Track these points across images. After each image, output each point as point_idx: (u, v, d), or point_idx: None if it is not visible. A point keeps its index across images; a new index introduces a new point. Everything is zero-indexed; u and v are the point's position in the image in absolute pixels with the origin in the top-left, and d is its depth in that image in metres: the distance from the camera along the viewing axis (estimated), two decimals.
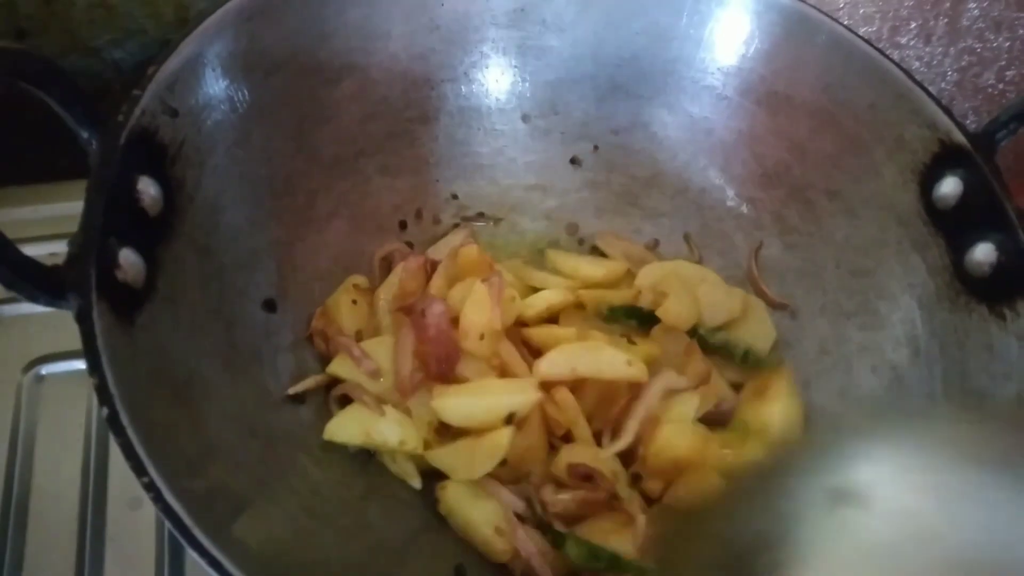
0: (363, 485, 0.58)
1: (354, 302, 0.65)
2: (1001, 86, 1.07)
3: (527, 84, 0.75)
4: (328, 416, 0.59)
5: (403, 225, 0.73)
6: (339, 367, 0.60)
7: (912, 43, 1.02)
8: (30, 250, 0.44)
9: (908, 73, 0.64)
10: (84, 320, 0.43)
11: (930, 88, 0.98)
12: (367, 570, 0.52)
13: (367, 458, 0.60)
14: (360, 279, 0.67)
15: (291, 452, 0.56)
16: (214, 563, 0.39)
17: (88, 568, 0.61)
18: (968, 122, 0.87)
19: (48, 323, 0.70)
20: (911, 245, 0.63)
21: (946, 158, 0.61)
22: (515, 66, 0.75)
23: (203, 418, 0.50)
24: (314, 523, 0.52)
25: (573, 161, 0.77)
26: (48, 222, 0.76)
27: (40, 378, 0.70)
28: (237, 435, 0.52)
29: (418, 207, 0.73)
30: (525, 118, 0.76)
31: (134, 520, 0.64)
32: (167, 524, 0.40)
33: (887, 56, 0.65)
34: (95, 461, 0.66)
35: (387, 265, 0.69)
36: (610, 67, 0.75)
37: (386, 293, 0.65)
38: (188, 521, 0.39)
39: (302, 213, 0.66)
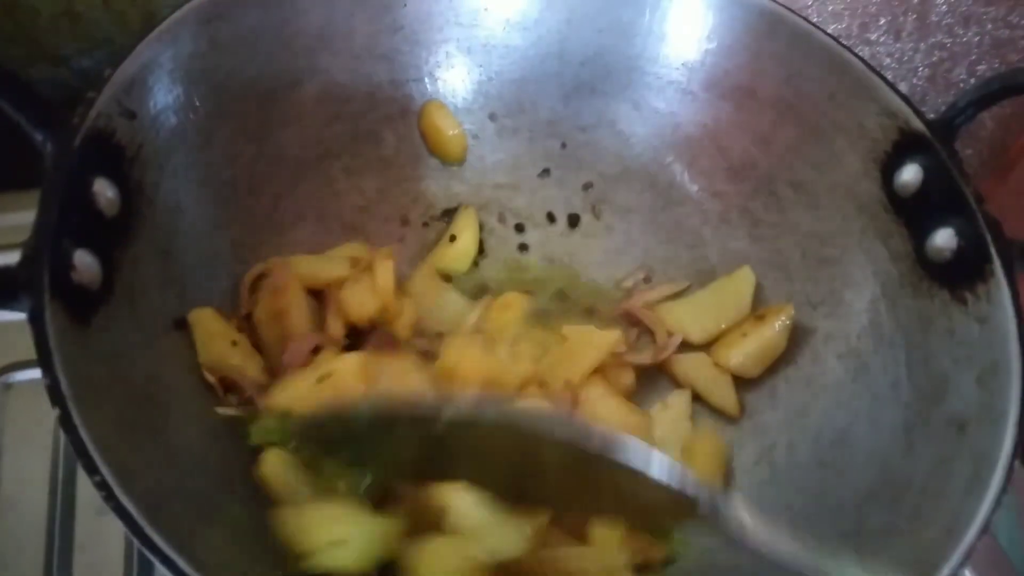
0: None
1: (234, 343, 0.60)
2: (972, 80, 1.08)
3: (493, 83, 0.75)
4: None
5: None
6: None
7: (882, 39, 1.03)
8: None
9: (867, 63, 0.64)
10: (36, 321, 0.43)
11: (901, 84, 1.00)
12: None
13: None
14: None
15: (255, 453, 0.55)
16: (167, 562, 0.38)
17: (56, 572, 0.61)
18: None
19: (16, 331, 0.69)
20: (874, 233, 0.63)
21: (906, 145, 0.61)
22: (480, 65, 0.75)
23: (163, 419, 0.50)
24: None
25: (543, 173, 0.78)
26: (7, 231, 0.75)
27: (8, 386, 0.70)
28: (198, 436, 0.52)
29: (385, 208, 0.73)
30: (492, 117, 0.77)
31: (102, 527, 0.64)
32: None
33: (846, 47, 0.65)
34: (63, 469, 0.66)
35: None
36: (575, 65, 0.75)
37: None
38: (141, 521, 0.39)
39: (267, 216, 0.66)
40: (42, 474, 0.66)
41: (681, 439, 0.65)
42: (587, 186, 0.78)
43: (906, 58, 1.05)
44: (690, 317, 0.70)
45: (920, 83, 1.08)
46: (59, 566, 0.61)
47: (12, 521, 0.63)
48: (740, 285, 0.70)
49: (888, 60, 1.04)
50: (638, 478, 0.43)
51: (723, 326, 0.69)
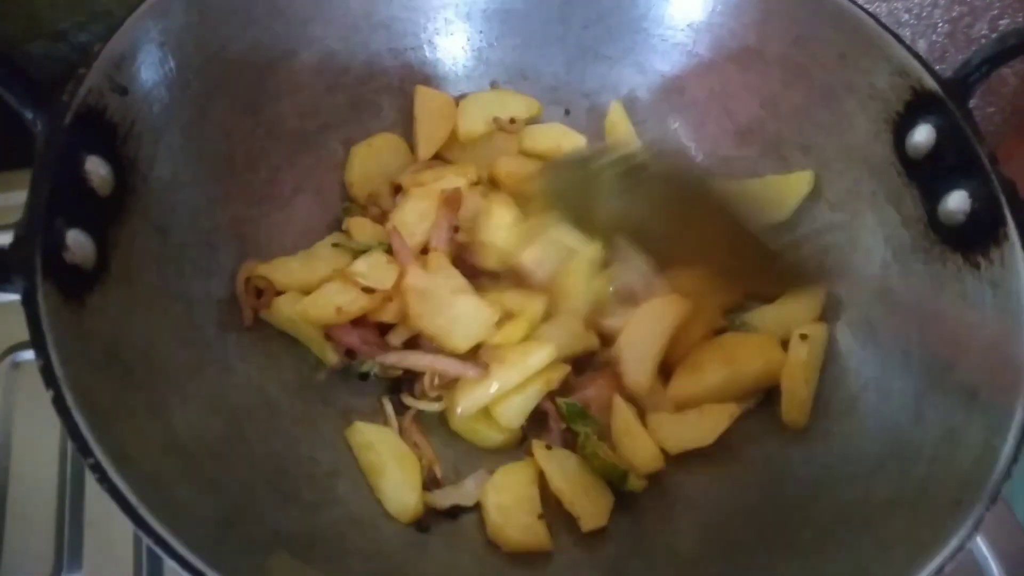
0: (331, 461, 0.58)
1: None
2: (994, 35, 1.04)
3: (494, 49, 0.74)
4: (292, 392, 0.59)
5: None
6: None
7: None
8: None
9: (878, 20, 0.62)
10: (29, 302, 0.43)
11: (920, 41, 0.96)
12: (332, 544, 0.52)
13: (336, 434, 0.60)
14: None
15: (255, 429, 0.55)
16: (161, 543, 0.38)
17: (67, 552, 0.62)
18: None
19: (22, 311, 0.70)
20: (885, 197, 0.62)
21: (919, 106, 0.59)
22: (480, 31, 0.73)
23: (162, 398, 0.50)
24: (278, 499, 0.52)
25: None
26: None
27: (16, 365, 0.70)
28: (198, 413, 0.52)
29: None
30: (494, 84, 0.75)
31: (112, 504, 0.63)
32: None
33: (857, 4, 0.63)
34: (72, 446, 0.66)
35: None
36: (577, 28, 0.73)
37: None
38: (135, 502, 0.39)
39: (265, 189, 0.65)
40: (52, 452, 0.66)
41: None
42: None
43: (925, 14, 1.02)
44: None
45: (940, 39, 1.05)
46: (70, 542, 0.62)
47: (23, 498, 0.64)
48: None
49: (906, 16, 1.01)
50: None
51: None
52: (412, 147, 0.72)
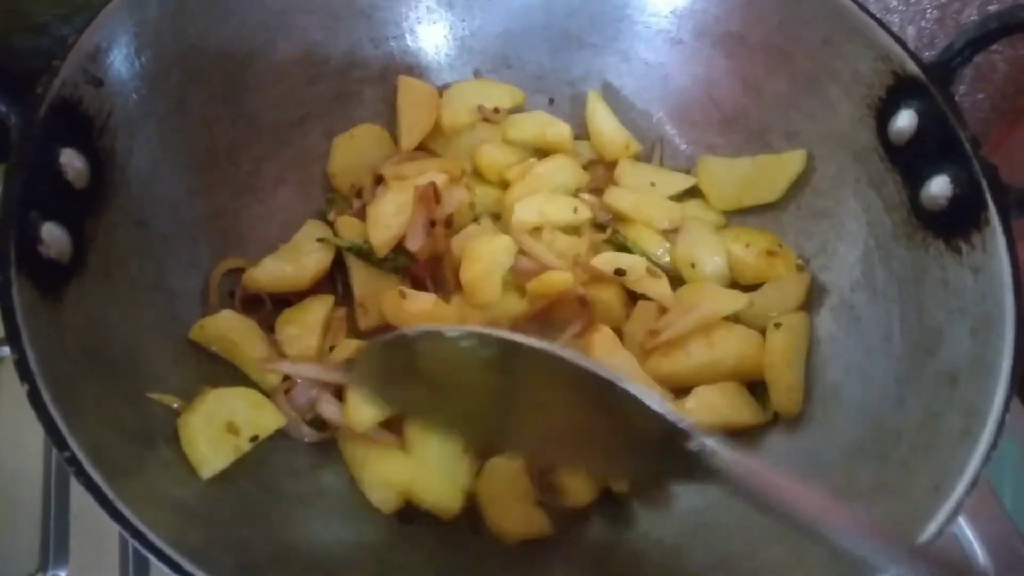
0: (314, 453, 0.58)
1: None
2: (976, 19, 1.04)
3: (476, 38, 0.73)
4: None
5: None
6: None
7: None
8: None
9: (861, 5, 0.62)
10: (3, 296, 0.43)
11: (910, 27, 0.96)
12: (315, 537, 0.52)
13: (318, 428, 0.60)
14: None
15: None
16: (137, 535, 0.38)
17: (53, 544, 0.61)
18: None
19: None
20: (868, 182, 0.61)
21: (901, 90, 0.59)
22: (462, 20, 0.73)
23: (143, 391, 0.50)
24: (263, 494, 0.52)
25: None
26: None
27: (0, 359, 0.70)
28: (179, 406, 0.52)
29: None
30: (477, 73, 0.75)
31: None
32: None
33: None
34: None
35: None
36: (561, 16, 0.73)
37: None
38: (111, 494, 0.39)
39: (246, 181, 0.65)
40: (37, 447, 0.66)
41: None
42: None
43: (914, 0, 1.01)
44: None
45: (929, 25, 1.04)
46: (56, 537, 0.62)
47: (8, 494, 0.64)
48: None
49: (895, 2, 1.00)
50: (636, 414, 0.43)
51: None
52: (395, 138, 0.71)
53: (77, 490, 0.64)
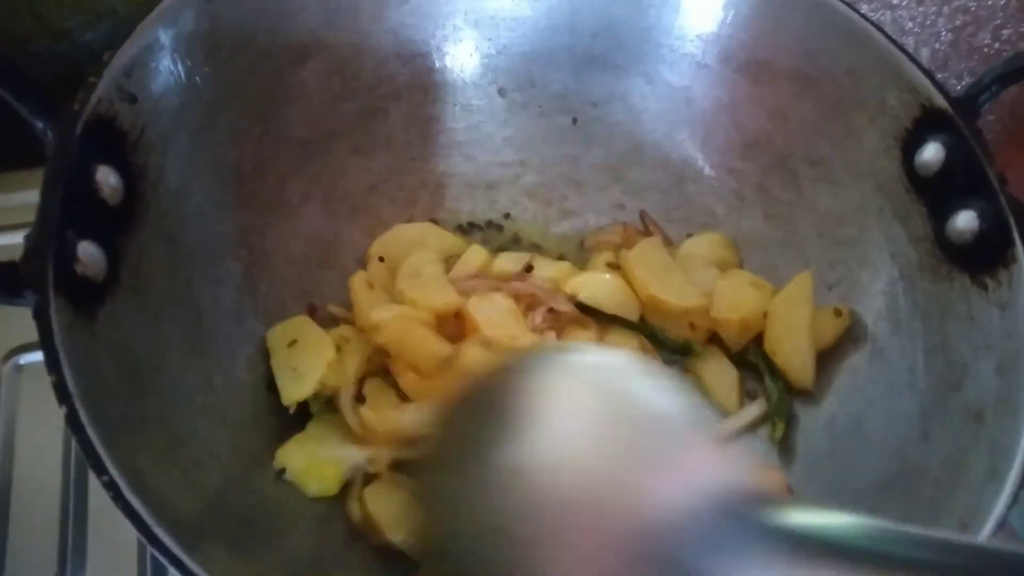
0: None
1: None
2: (997, 45, 1.04)
3: (502, 57, 0.74)
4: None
5: None
6: None
7: (905, 3, 0.99)
8: None
9: (889, 37, 0.62)
10: (41, 317, 0.42)
11: (923, 49, 0.96)
12: (336, 566, 0.52)
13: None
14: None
15: (264, 441, 0.55)
16: (176, 563, 0.38)
17: (71, 556, 0.62)
18: (964, 83, 0.84)
19: (23, 313, 0.70)
20: (893, 213, 0.62)
21: (928, 123, 0.59)
22: (489, 39, 0.73)
23: (171, 410, 0.50)
24: (286, 513, 0.52)
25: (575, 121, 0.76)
26: (7, 212, 0.75)
27: (19, 368, 0.70)
28: (207, 425, 0.52)
29: (392, 189, 0.72)
30: (501, 92, 0.75)
31: (116, 508, 0.64)
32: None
33: (869, 20, 0.63)
34: (76, 450, 0.66)
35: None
36: (587, 37, 0.73)
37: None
38: (150, 521, 0.39)
39: (273, 197, 0.65)
40: (55, 455, 0.66)
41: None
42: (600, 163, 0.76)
43: (928, 22, 1.02)
44: None
45: (943, 48, 1.05)
46: (74, 546, 0.62)
47: (27, 502, 0.64)
48: None
49: (910, 24, 1.01)
50: None
51: None
52: None
53: (95, 497, 0.64)
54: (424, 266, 0.66)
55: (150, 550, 0.57)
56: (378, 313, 0.61)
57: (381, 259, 0.68)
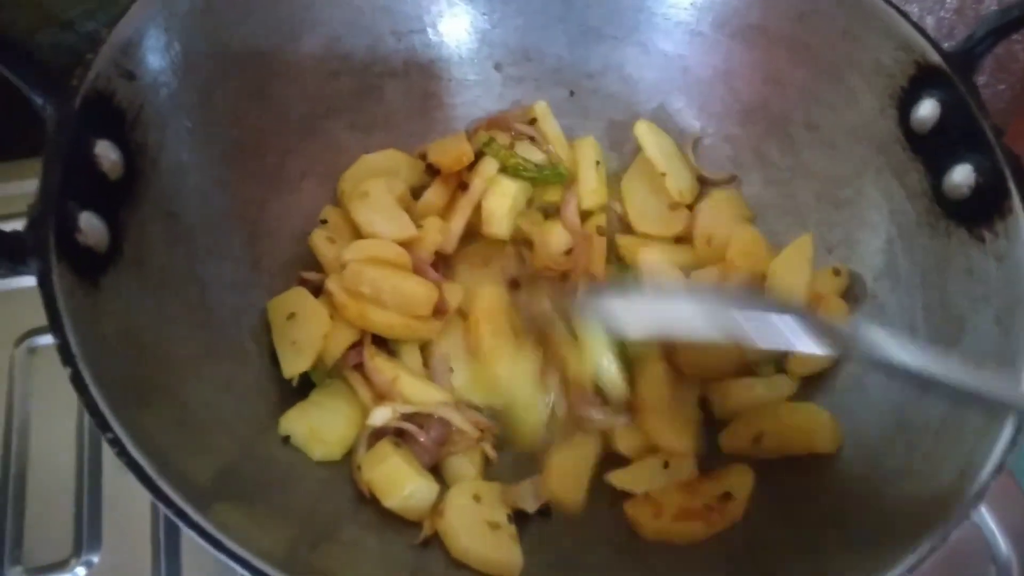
0: None
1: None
2: (998, 8, 1.03)
3: (497, 31, 0.74)
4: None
5: None
6: None
7: None
8: None
9: None
10: (44, 283, 0.43)
11: (928, 17, 0.95)
12: (343, 527, 0.52)
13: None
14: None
15: (270, 407, 0.56)
16: (181, 515, 0.39)
17: (86, 532, 0.63)
18: None
19: (37, 297, 0.71)
20: (890, 172, 0.62)
21: (923, 80, 0.59)
22: (483, 13, 0.73)
23: (176, 375, 0.51)
24: (295, 477, 0.53)
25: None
26: (12, 200, 0.76)
27: (33, 350, 0.71)
28: (213, 392, 0.53)
29: None
30: (498, 67, 0.75)
31: (130, 484, 0.65)
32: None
33: None
34: (89, 428, 0.67)
35: None
36: (580, 8, 0.73)
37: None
38: (153, 475, 0.40)
39: (273, 173, 0.66)
40: (69, 435, 0.67)
41: None
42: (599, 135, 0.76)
43: None
44: None
45: (948, 16, 1.04)
46: (89, 522, 0.63)
47: (42, 481, 0.65)
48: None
49: None
50: None
51: None
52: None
53: (109, 477, 0.65)
54: (374, 188, 0.67)
55: (163, 514, 0.60)
56: (347, 253, 0.62)
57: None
